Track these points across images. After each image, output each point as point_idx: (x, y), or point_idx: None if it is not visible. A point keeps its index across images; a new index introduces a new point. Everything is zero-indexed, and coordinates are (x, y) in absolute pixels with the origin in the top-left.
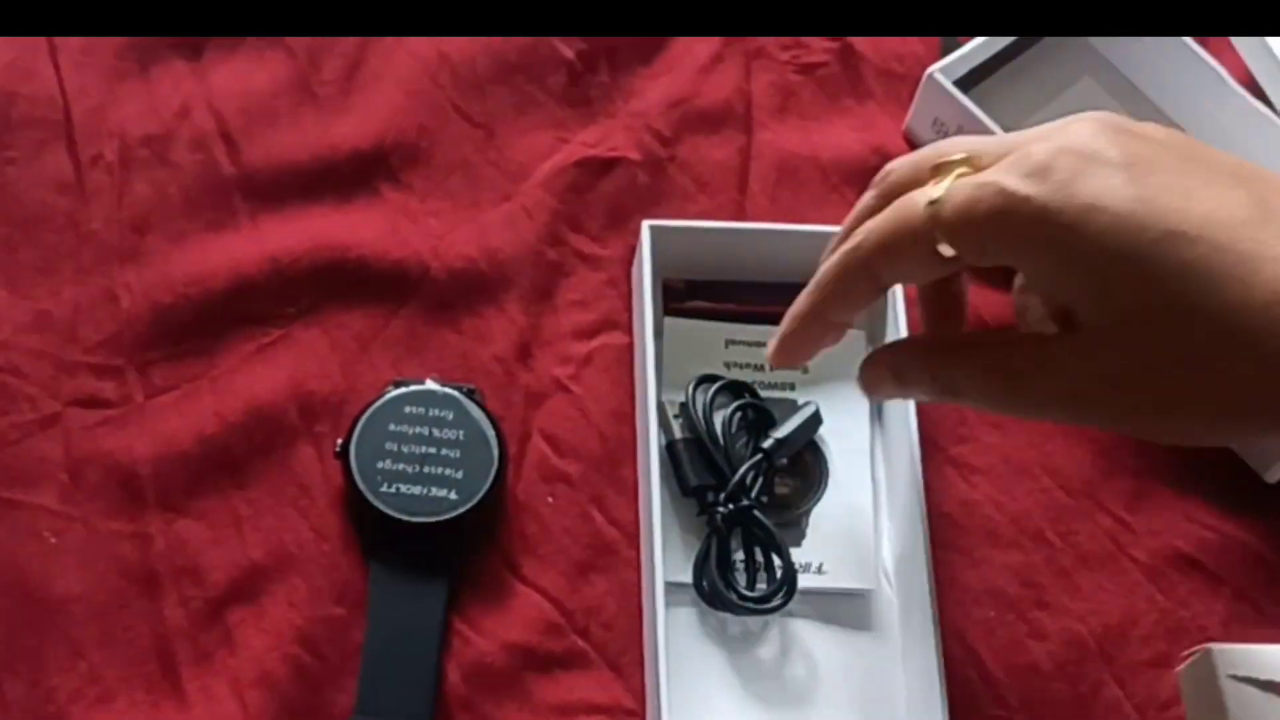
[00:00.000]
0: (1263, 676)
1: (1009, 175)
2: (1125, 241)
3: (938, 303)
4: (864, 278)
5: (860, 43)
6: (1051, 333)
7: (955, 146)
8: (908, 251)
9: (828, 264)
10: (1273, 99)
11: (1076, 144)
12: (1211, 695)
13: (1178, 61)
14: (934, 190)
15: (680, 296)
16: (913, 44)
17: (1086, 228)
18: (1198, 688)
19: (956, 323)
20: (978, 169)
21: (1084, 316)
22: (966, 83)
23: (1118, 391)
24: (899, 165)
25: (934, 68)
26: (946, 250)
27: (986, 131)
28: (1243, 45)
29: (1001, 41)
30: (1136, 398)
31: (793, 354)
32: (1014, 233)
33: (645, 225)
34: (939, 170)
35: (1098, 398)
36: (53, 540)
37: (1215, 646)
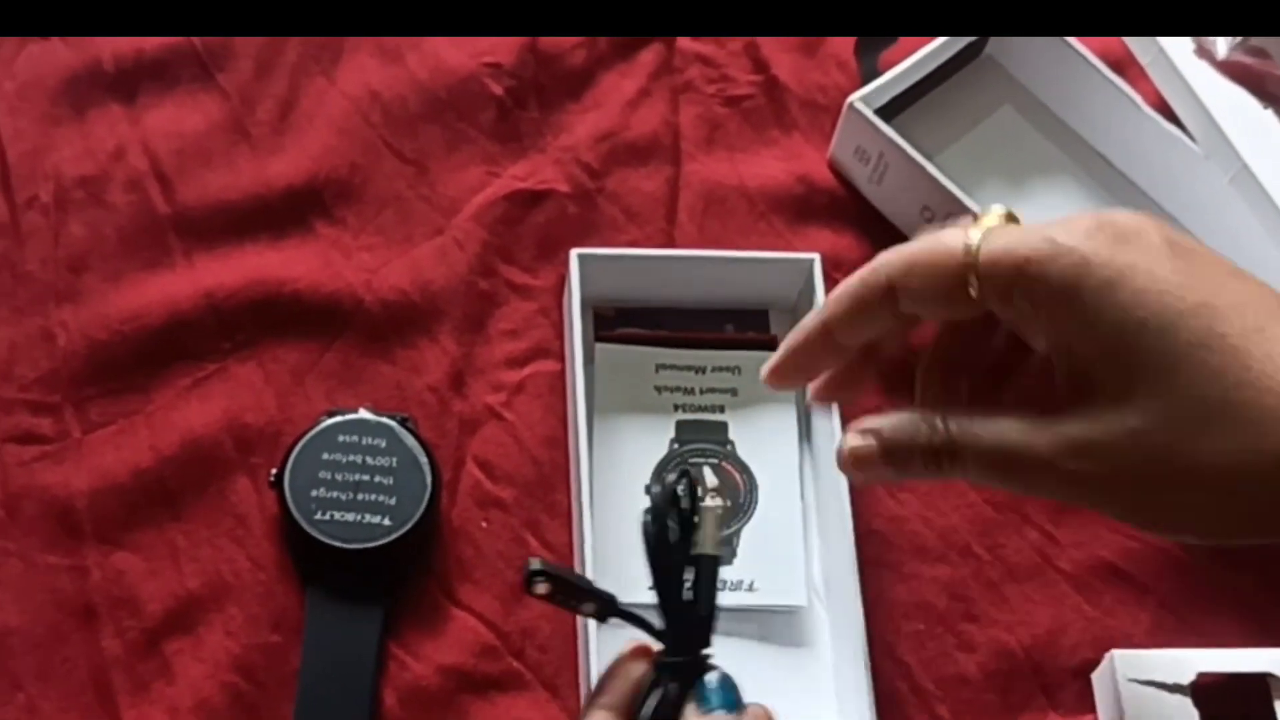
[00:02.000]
0: (1159, 679)
1: (1055, 229)
2: (1161, 306)
3: (938, 362)
4: (881, 298)
5: (784, 74)
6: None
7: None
8: (936, 279)
9: (843, 282)
10: (1184, 122)
11: (1122, 219)
12: (1114, 698)
13: (1094, 88)
14: (975, 231)
15: (611, 324)
16: (835, 75)
17: (1123, 286)
18: (1104, 692)
19: (952, 392)
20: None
21: (1102, 381)
22: (888, 112)
23: (1127, 463)
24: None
25: (854, 97)
26: (973, 290)
27: (909, 158)
28: (1154, 71)
29: (921, 70)
30: (1147, 469)
31: (790, 374)
32: (1049, 281)
33: (574, 254)
34: (979, 220)
35: (1107, 473)
36: None
37: (1117, 652)
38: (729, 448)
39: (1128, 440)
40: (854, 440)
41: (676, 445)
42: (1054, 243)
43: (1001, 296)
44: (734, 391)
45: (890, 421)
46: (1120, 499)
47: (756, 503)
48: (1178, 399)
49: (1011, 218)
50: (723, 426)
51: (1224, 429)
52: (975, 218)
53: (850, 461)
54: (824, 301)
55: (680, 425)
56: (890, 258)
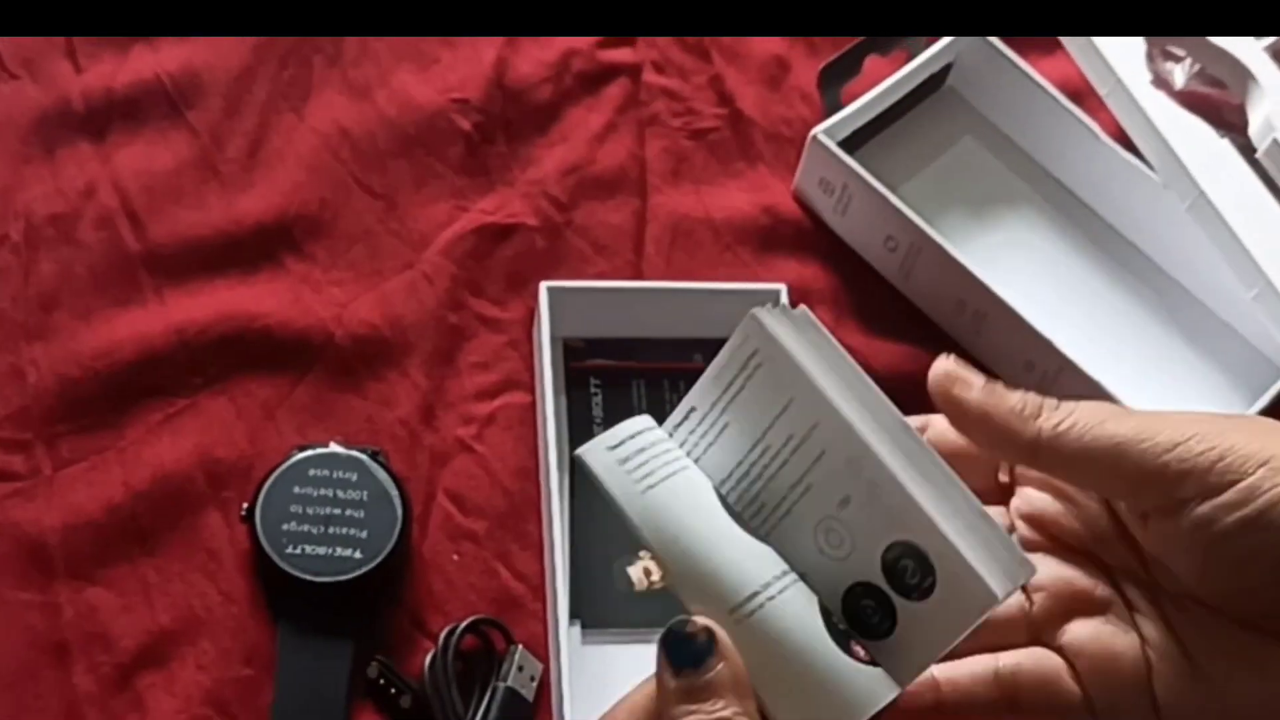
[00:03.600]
0: None
1: None
2: None
3: None
4: None
5: (748, 108)
6: None
7: None
8: None
9: None
10: (1143, 151)
11: None
12: None
13: (1053, 119)
14: None
15: (581, 355)
16: (799, 108)
17: None
18: None
19: None
20: None
21: None
22: (851, 144)
23: None
24: None
25: (817, 129)
26: None
27: (872, 190)
28: (1112, 101)
29: (884, 103)
30: None
31: None
32: None
33: (543, 286)
34: None
35: None
36: None
37: None
38: None
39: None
40: None
41: None
42: None
43: None
44: None
45: None
46: (1253, 494)
47: None
48: None
49: None
50: None
51: None
52: None
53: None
54: None
55: None
56: None
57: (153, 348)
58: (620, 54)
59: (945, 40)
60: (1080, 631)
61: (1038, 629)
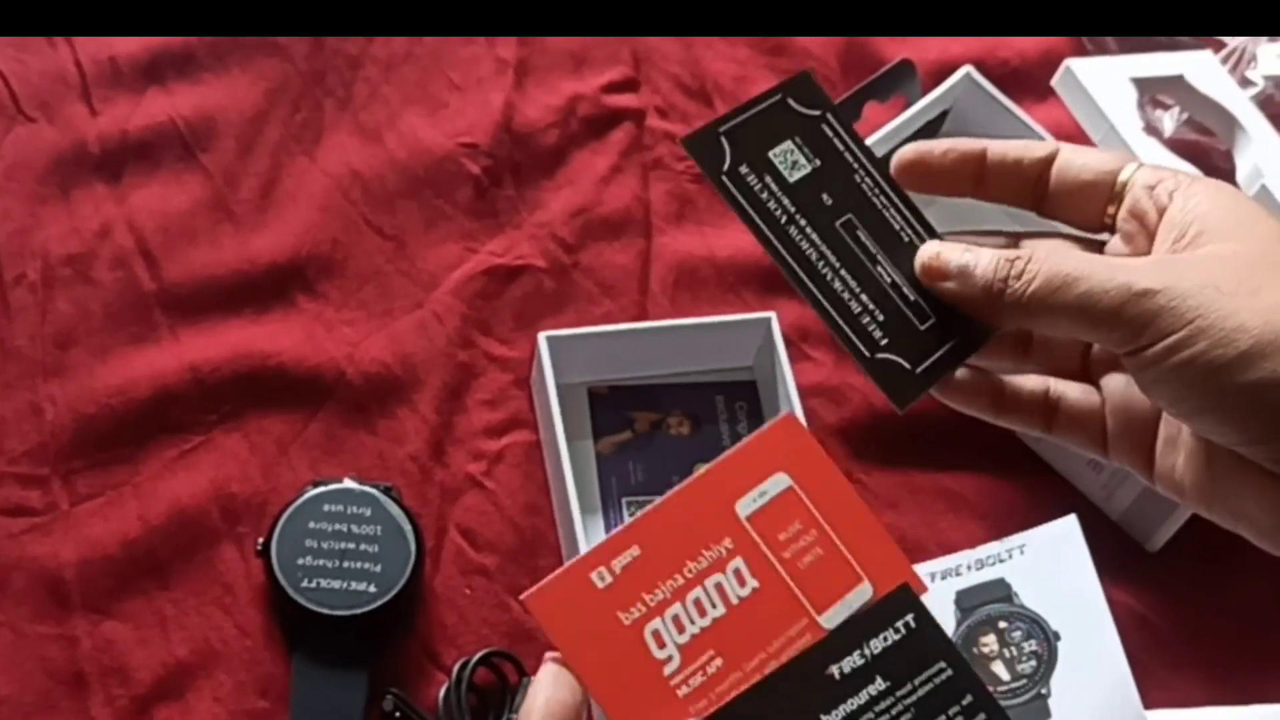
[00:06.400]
0: None
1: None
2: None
3: None
4: (1041, 164)
5: None
6: None
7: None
8: (1088, 175)
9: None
10: None
11: None
12: None
13: None
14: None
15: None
16: None
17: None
18: None
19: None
20: None
21: (1212, 229)
22: None
23: (1205, 280)
24: None
25: None
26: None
27: None
28: (1105, 147)
29: (885, 145)
30: (1224, 290)
31: (928, 167)
32: (1196, 181)
33: (541, 337)
34: None
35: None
36: None
37: None
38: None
39: (1213, 260)
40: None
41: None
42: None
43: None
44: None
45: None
46: (1184, 346)
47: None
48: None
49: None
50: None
51: None
52: None
53: (926, 270)
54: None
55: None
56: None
57: (167, 385)
58: (625, 99)
59: (942, 87)
60: (1119, 380)
61: (1091, 367)
